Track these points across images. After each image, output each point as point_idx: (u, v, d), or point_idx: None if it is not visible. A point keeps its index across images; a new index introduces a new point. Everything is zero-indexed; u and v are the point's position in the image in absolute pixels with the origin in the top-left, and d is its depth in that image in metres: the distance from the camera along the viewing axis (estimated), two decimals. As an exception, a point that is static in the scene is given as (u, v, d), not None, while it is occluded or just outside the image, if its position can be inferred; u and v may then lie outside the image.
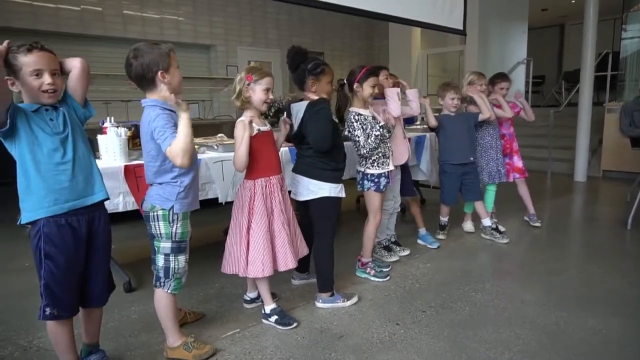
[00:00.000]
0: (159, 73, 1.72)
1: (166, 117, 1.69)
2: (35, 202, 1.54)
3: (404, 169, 3.14)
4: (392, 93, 2.77)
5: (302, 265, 2.61)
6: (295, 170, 2.42)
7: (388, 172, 2.64)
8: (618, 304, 2.37)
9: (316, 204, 2.35)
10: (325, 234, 2.38)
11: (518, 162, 3.70)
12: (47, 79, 1.53)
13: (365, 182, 2.63)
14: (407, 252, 3.15)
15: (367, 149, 2.53)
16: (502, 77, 3.67)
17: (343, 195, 2.39)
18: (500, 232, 3.41)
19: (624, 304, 2.38)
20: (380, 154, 2.60)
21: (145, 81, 1.74)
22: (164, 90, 1.73)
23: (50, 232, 1.56)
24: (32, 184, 1.55)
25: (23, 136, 1.52)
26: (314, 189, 2.33)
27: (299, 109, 2.33)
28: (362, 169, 2.63)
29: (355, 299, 2.43)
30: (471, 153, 3.35)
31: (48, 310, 1.59)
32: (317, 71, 2.30)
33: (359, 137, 2.53)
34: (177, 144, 1.65)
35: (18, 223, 1.57)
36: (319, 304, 2.39)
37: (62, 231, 1.58)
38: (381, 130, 2.51)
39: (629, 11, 6.98)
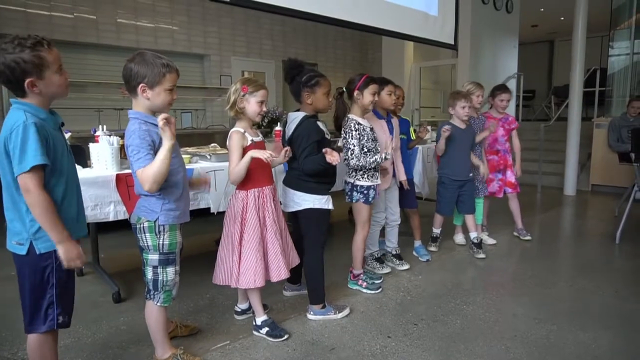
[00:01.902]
0: (140, 85, 1.67)
1: (142, 134, 1.65)
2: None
3: (408, 182, 3.16)
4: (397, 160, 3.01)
5: (294, 276, 2.60)
6: (284, 181, 2.44)
7: (377, 185, 2.65)
8: (608, 318, 2.39)
9: (303, 216, 2.36)
10: (313, 246, 2.37)
11: (511, 177, 3.74)
12: (65, 73, 1.49)
13: (355, 193, 2.62)
14: (406, 267, 3.10)
15: (359, 163, 2.51)
16: (502, 89, 3.72)
17: (329, 207, 2.38)
18: (479, 247, 3.39)
19: (614, 318, 2.39)
20: (370, 167, 2.61)
21: (128, 87, 1.72)
22: (141, 104, 1.71)
23: None
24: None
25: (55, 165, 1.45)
26: (298, 200, 2.35)
27: (293, 118, 2.35)
28: (352, 180, 2.62)
29: (346, 311, 2.42)
30: (470, 169, 3.39)
31: (61, 318, 1.55)
32: (311, 83, 2.32)
33: (354, 146, 2.52)
34: (151, 171, 1.62)
35: (25, 252, 1.47)
36: (310, 316, 2.38)
37: None
38: (383, 159, 2.51)
39: (616, 29, 7.14)
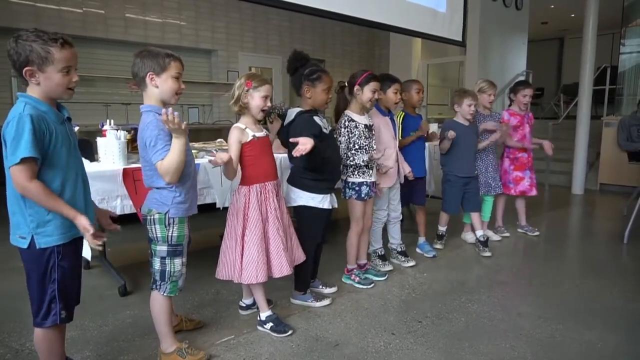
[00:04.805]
0: (149, 74, 1.73)
1: (159, 124, 1.69)
2: (56, 227, 1.49)
3: (419, 178, 3.15)
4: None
5: (298, 284, 2.60)
6: (288, 177, 2.46)
7: (371, 182, 2.64)
8: (615, 318, 2.37)
9: (298, 211, 2.39)
10: (305, 241, 2.37)
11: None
12: (74, 76, 1.49)
13: (347, 190, 2.64)
14: (412, 264, 3.09)
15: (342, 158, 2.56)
16: (524, 84, 3.72)
17: (325, 206, 2.37)
18: (485, 245, 3.36)
19: (621, 319, 2.38)
20: (356, 165, 2.61)
21: (138, 80, 1.77)
22: (152, 96, 1.75)
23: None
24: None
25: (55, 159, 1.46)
26: (294, 196, 2.37)
27: (289, 115, 2.37)
28: (344, 177, 2.64)
29: (326, 302, 2.46)
30: (475, 167, 3.38)
31: (64, 313, 1.56)
32: (313, 77, 2.33)
33: (340, 143, 2.54)
34: (169, 163, 1.67)
35: (26, 246, 1.48)
36: (292, 300, 2.47)
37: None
38: (362, 163, 2.54)
39: (628, 26, 7.05)
